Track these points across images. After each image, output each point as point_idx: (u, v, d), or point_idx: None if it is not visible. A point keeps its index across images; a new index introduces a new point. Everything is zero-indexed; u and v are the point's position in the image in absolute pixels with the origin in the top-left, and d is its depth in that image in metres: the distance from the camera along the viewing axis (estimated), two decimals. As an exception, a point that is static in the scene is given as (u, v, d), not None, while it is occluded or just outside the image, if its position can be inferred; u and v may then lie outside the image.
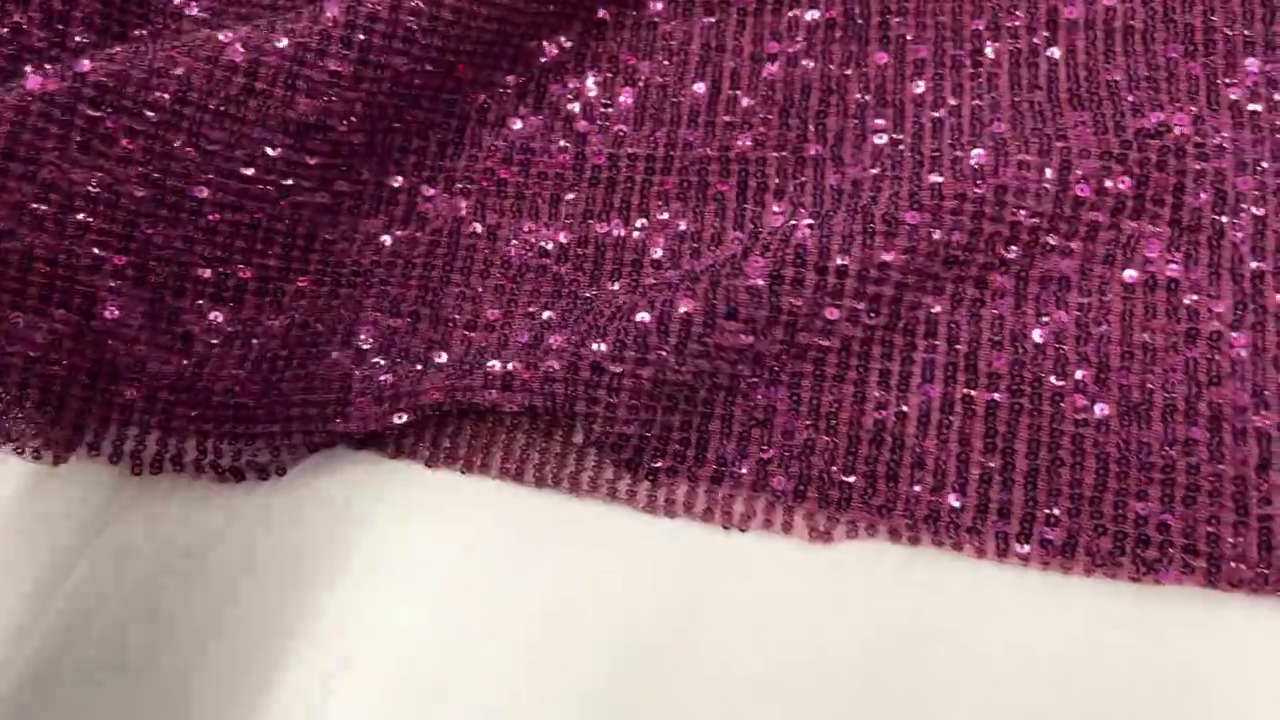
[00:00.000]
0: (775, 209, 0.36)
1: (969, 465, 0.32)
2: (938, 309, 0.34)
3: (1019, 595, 0.31)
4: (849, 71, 0.37)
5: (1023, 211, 0.33)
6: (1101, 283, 0.33)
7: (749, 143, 0.36)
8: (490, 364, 0.33)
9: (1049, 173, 0.33)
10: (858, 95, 0.37)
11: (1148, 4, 0.36)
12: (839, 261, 0.33)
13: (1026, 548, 0.31)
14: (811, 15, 0.38)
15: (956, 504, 0.32)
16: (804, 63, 0.37)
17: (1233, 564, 0.30)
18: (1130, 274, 0.33)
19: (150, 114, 0.34)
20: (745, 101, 0.37)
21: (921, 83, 0.37)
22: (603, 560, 0.33)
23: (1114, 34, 0.36)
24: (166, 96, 0.34)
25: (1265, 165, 0.34)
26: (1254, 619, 0.30)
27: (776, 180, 0.36)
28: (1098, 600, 0.31)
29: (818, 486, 0.32)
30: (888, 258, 0.33)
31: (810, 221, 0.34)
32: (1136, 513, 0.31)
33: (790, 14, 0.38)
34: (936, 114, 0.36)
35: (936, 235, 0.33)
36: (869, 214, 0.33)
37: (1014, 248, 0.33)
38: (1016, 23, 0.37)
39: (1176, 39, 0.36)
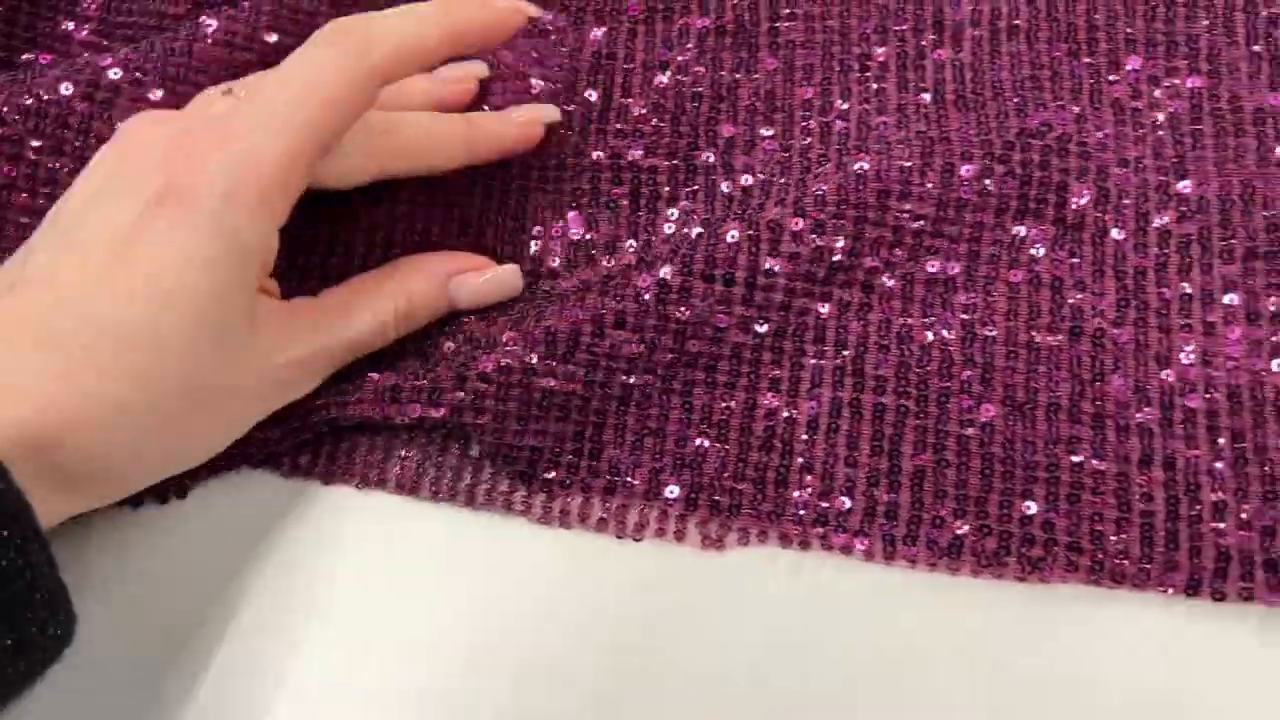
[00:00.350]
0: (669, 214, 0.36)
1: (857, 468, 0.32)
2: (825, 314, 0.34)
3: (908, 597, 0.31)
4: (739, 76, 0.37)
5: (906, 215, 0.33)
6: (987, 283, 0.34)
7: (640, 152, 0.36)
8: (376, 376, 0.33)
9: (931, 175, 0.33)
10: (748, 101, 0.37)
11: (1031, 3, 0.36)
12: (725, 270, 0.33)
13: (914, 549, 0.31)
14: (702, 22, 0.38)
15: (845, 507, 0.32)
16: (695, 69, 0.37)
17: (1116, 560, 0.30)
18: (1015, 274, 0.34)
19: (35, 142, 0.34)
20: (637, 110, 0.37)
21: (810, 87, 0.37)
22: (503, 574, 0.33)
23: (999, 34, 0.36)
24: (48, 121, 0.34)
25: (1147, 162, 0.34)
26: (1138, 615, 0.30)
27: (668, 189, 0.36)
28: (986, 600, 0.31)
29: (709, 494, 0.32)
30: (773, 264, 0.33)
31: (699, 230, 0.34)
32: (1021, 512, 0.31)
33: (681, 21, 0.38)
34: (825, 119, 0.36)
35: (820, 241, 0.33)
36: (754, 221, 0.33)
37: (898, 251, 0.34)
38: (904, 25, 0.37)
39: (1060, 38, 0.36)
